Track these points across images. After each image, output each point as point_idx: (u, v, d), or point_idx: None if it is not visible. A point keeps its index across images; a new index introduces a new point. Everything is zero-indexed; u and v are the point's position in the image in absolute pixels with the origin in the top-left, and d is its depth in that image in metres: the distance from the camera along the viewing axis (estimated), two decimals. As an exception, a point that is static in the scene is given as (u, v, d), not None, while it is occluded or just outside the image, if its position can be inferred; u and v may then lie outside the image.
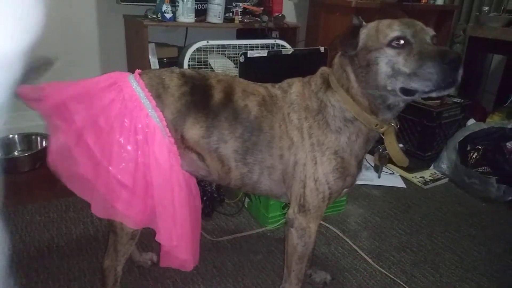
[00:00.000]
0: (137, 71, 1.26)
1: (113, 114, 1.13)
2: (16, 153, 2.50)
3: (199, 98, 1.20)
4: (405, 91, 1.05)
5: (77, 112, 1.13)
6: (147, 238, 1.30)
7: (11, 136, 2.50)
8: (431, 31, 1.07)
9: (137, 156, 1.14)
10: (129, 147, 1.13)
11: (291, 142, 1.20)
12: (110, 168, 1.12)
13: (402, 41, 1.03)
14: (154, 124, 1.16)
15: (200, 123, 1.20)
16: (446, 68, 0.97)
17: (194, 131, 1.20)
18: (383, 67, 1.05)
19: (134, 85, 1.18)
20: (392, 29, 1.05)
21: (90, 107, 1.14)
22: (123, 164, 1.13)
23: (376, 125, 1.17)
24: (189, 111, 1.20)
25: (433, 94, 1.04)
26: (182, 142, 1.22)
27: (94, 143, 1.13)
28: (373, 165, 2.62)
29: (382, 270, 1.75)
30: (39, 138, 2.54)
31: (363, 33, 1.11)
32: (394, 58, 1.03)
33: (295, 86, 1.26)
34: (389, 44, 1.04)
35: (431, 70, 0.98)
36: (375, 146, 1.29)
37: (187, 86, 1.21)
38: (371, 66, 1.07)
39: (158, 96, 1.19)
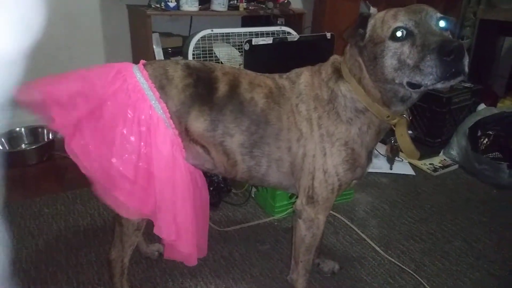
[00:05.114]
0: (142, 61, 1.24)
1: (116, 104, 1.11)
2: (23, 146, 2.51)
3: (204, 91, 1.18)
4: (411, 85, 1.01)
5: (78, 105, 1.12)
6: (153, 230, 1.30)
7: (17, 129, 2.51)
8: (437, 14, 1.01)
9: (139, 147, 1.12)
10: (132, 138, 1.12)
11: (300, 134, 1.18)
12: (112, 159, 1.11)
13: (404, 32, 0.98)
14: (157, 116, 1.14)
15: (204, 116, 1.18)
16: (446, 59, 0.92)
17: (198, 124, 1.18)
18: (389, 60, 1.01)
19: (138, 76, 1.16)
20: (396, 19, 1.00)
21: (92, 96, 1.12)
22: (126, 155, 1.12)
23: (388, 116, 1.14)
24: (193, 103, 1.18)
25: (438, 86, 0.98)
26: (186, 135, 1.21)
27: (93, 133, 1.12)
28: (382, 153, 2.59)
29: (391, 259, 1.73)
30: (45, 131, 2.55)
31: (371, 24, 1.07)
32: (398, 50, 0.99)
33: (303, 76, 1.23)
34: (392, 36, 1.00)
35: (430, 63, 0.93)
36: (388, 136, 1.25)
37: (191, 78, 1.19)
38: (378, 59, 1.03)
39: (162, 87, 1.17)
